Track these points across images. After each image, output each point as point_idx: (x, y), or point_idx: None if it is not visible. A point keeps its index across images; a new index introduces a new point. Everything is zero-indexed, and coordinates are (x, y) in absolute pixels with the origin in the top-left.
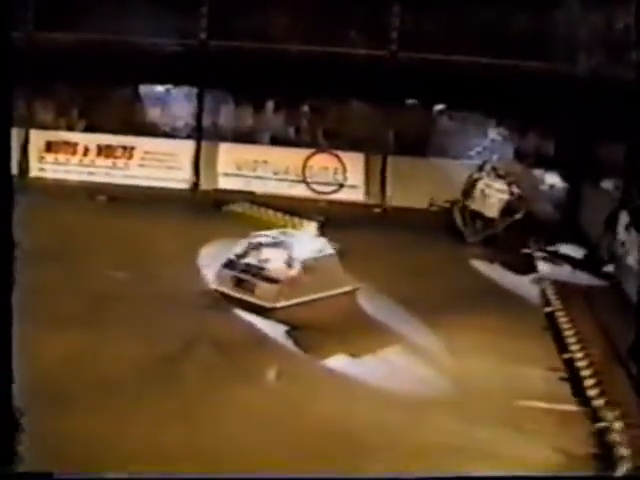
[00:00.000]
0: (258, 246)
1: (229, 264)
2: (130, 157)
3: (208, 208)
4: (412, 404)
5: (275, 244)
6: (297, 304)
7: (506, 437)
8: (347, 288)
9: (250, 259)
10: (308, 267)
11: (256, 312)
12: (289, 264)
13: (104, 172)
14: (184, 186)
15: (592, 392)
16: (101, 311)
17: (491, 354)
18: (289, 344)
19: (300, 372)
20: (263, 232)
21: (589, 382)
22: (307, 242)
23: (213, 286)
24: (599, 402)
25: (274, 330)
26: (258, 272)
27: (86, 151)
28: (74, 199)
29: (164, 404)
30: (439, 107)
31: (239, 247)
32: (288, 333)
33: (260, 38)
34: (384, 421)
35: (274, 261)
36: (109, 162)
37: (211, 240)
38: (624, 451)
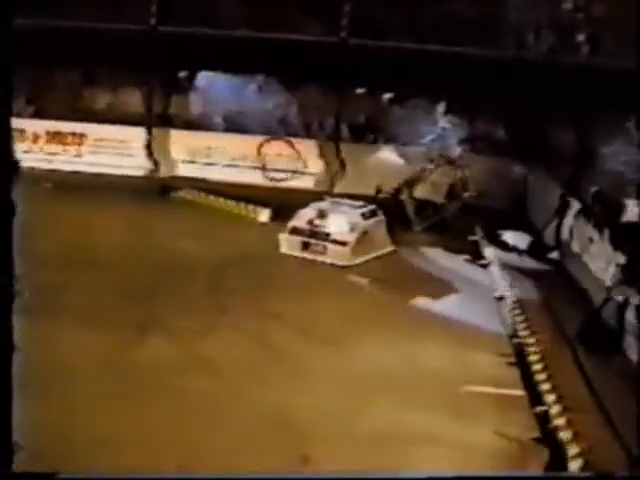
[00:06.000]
0: (319, 213)
1: (294, 230)
2: (80, 144)
3: (157, 195)
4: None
5: (333, 211)
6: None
7: (450, 422)
8: (390, 248)
9: (313, 226)
10: (366, 230)
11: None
12: (353, 228)
13: (57, 159)
14: (138, 173)
15: (539, 377)
16: (45, 299)
17: (443, 340)
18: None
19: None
20: (320, 201)
21: (537, 367)
22: (360, 209)
23: (283, 250)
24: (545, 387)
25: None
26: (326, 237)
27: (36, 138)
28: (21, 186)
29: None
30: (389, 95)
31: (302, 214)
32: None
33: (210, 24)
34: None
35: (336, 226)
36: (60, 149)
37: (153, 226)
38: (565, 435)
